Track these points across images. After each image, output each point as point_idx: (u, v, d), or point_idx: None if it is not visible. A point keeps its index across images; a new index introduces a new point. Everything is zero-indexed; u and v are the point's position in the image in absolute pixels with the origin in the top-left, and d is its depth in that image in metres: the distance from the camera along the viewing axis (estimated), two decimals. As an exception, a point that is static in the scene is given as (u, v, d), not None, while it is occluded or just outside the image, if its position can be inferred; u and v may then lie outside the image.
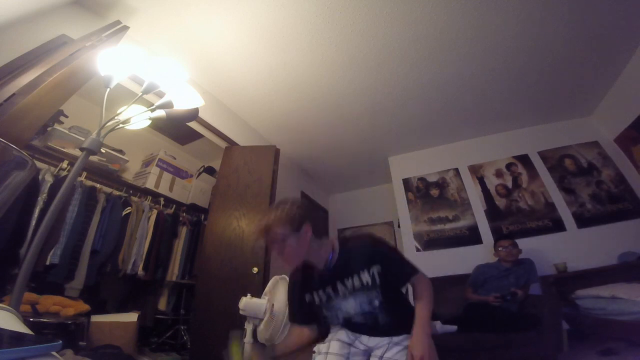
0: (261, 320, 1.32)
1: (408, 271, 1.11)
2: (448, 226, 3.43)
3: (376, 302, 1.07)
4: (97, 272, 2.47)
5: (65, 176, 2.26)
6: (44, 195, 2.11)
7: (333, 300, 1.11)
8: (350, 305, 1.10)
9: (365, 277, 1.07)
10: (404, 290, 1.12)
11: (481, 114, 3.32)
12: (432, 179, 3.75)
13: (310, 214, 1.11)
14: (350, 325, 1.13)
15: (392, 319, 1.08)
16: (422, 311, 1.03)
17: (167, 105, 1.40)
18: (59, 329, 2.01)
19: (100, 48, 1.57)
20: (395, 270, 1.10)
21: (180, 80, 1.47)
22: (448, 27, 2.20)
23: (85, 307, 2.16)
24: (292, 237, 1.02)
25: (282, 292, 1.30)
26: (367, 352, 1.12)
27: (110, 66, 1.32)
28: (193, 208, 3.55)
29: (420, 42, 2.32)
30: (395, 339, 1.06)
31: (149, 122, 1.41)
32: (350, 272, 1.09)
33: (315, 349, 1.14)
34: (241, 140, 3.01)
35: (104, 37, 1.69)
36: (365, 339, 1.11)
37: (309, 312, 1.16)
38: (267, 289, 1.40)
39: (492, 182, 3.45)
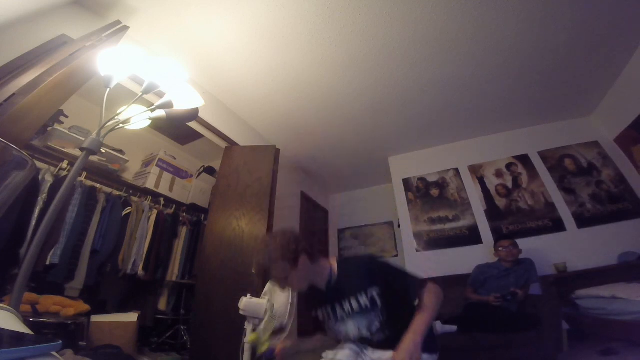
0: (261, 320, 1.32)
1: (414, 286, 1.09)
2: (448, 226, 3.43)
3: (377, 324, 1.07)
4: (97, 272, 2.47)
5: (65, 176, 2.26)
6: (44, 195, 2.11)
7: (330, 321, 1.13)
8: (350, 329, 1.10)
9: (364, 300, 1.06)
10: (415, 304, 1.10)
11: (481, 114, 3.32)
12: (432, 179, 3.75)
13: (304, 243, 1.10)
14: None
15: (394, 334, 1.05)
16: (418, 321, 1.01)
17: (167, 105, 1.40)
18: (59, 329, 2.01)
19: (100, 48, 1.57)
20: (400, 287, 1.09)
21: (180, 80, 1.46)
22: (448, 27, 2.20)
23: (85, 307, 2.16)
24: (292, 273, 1.04)
25: (282, 292, 1.30)
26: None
27: (110, 66, 1.32)
28: (193, 208, 3.55)
29: (420, 42, 2.32)
30: None
31: (149, 122, 1.41)
32: (347, 295, 1.08)
33: (323, 354, 1.14)
34: (241, 140, 3.01)
35: (104, 37, 1.69)
36: (370, 351, 1.12)
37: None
38: (266, 288, 1.40)
39: (492, 182, 3.45)
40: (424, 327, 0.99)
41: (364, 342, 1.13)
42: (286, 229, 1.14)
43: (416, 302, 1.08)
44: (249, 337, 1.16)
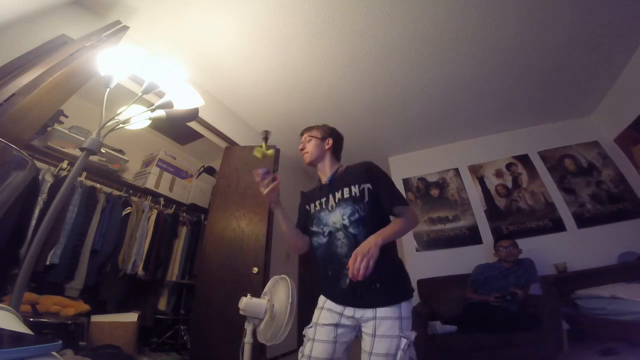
0: (261, 320, 1.32)
1: (397, 198, 1.17)
2: (448, 226, 3.43)
3: (356, 215, 1.13)
4: (97, 272, 2.47)
5: (65, 176, 2.26)
6: (44, 195, 2.11)
7: (322, 211, 1.23)
8: (336, 216, 1.18)
9: (355, 189, 1.18)
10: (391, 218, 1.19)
11: (481, 114, 3.32)
12: (432, 179, 3.76)
13: (339, 139, 1.41)
14: (334, 286, 1.14)
15: (365, 232, 1.10)
16: (388, 227, 1.08)
17: (167, 105, 1.40)
18: (59, 329, 2.01)
19: (100, 48, 1.57)
20: (385, 193, 1.18)
21: (180, 80, 1.46)
22: (448, 27, 2.20)
23: (85, 307, 2.16)
24: (316, 140, 1.35)
25: (282, 292, 1.29)
26: (356, 327, 1.10)
27: (110, 66, 1.32)
28: (193, 208, 3.55)
29: (420, 42, 2.32)
30: (380, 312, 1.04)
31: (149, 122, 1.41)
32: (342, 185, 1.22)
33: (304, 332, 1.16)
34: (241, 140, 3.01)
35: (104, 37, 1.69)
36: (350, 311, 1.10)
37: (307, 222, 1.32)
38: (266, 288, 1.39)
39: (492, 182, 3.45)
40: (391, 234, 1.06)
41: (343, 229, 1.15)
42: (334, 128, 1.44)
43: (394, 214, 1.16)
44: (255, 152, 1.31)
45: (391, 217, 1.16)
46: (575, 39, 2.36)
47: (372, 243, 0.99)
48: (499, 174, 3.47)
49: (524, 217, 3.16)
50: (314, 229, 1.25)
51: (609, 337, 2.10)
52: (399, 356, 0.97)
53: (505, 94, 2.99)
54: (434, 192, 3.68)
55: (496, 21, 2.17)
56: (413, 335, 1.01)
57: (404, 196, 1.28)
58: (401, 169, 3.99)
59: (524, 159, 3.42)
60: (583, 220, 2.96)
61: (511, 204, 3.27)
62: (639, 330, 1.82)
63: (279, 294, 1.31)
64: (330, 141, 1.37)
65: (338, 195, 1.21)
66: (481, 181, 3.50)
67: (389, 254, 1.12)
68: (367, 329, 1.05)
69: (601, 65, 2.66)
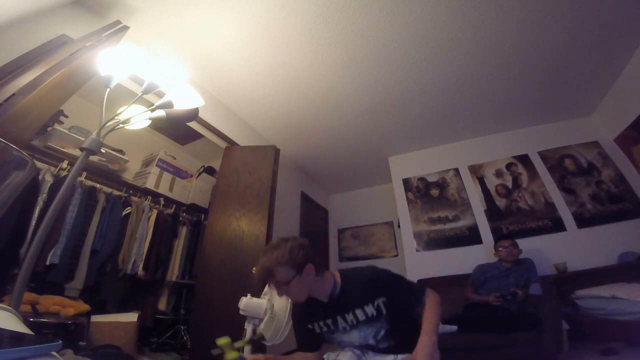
0: (261, 320, 1.32)
1: (418, 293, 1.11)
2: (448, 226, 3.43)
3: (382, 332, 1.07)
4: (97, 272, 2.47)
5: (65, 176, 2.26)
6: (44, 195, 2.11)
7: (333, 333, 1.12)
8: (354, 338, 1.10)
9: (370, 309, 1.06)
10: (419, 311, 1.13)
11: (481, 114, 3.32)
12: (432, 179, 3.75)
13: (313, 254, 1.08)
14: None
15: (399, 340, 1.08)
16: (429, 322, 1.02)
17: (167, 105, 1.40)
18: (59, 329, 2.01)
19: (100, 48, 1.57)
20: (405, 295, 1.10)
21: (180, 80, 1.46)
22: (448, 27, 2.20)
23: (85, 307, 2.16)
24: (295, 280, 1.01)
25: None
26: None
27: (110, 66, 1.32)
28: (193, 208, 3.55)
29: (420, 42, 2.31)
30: (400, 357, 1.06)
31: (149, 122, 1.41)
32: (352, 307, 1.08)
33: (325, 356, 1.15)
34: (241, 140, 3.01)
35: (104, 37, 1.69)
36: (371, 355, 1.12)
37: (314, 339, 1.17)
38: (266, 288, 1.39)
39: (492, 182, 3.45)
40: (435, 327, 1.00)
41: (368, 348, 1.13)
42: (297, 236, 1.13)
43: (419, 308, 1.10)
44: (218, 341, 1.05)
45: None
46: (575, 39, 2.36)
47: (429, 351, 0.93)
48: (499, 174, 3.47)
49: (524, 217, 3.16)
50: (329, 339, 1.16)
51: (609, 337, 2.10)
52: None
53: (505, 94, 2.99)
54: (434, 192, 3.68)
55: (496, 21, 2.17)
56: None
57: (417, 284, 1.19)
58: (401, 169, 3.99)
59: (524, 159, 3.42)
60: (583, 220, 2.96)
61: (511, 204, 3.27)
62: (639, 330, 1.82)
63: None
64: (310, 267, 1.05)
65: (350, 317, 1.08)
66: (481, 181, 3.50)
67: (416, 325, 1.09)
68: None
69: (601, 65, 2.66)
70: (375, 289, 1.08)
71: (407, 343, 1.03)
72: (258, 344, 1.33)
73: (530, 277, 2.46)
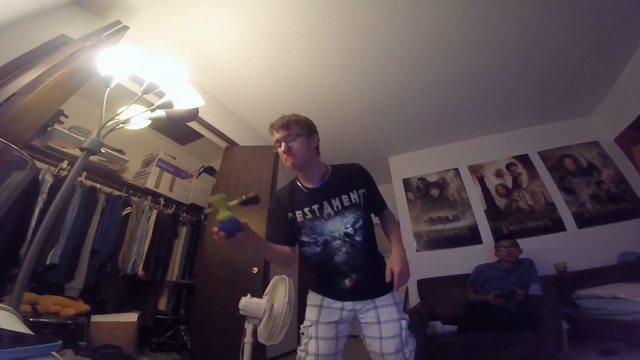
0: (261, 320, 1.32)
1: (383, 201, 1.29)
2: (448, 226, 3.43)
3: (360, 223, 1.15)
4: (97, 272, 2.47)
5: (65, 176, 2.26)
6: (44, 195, 2.11)
7: (318, 219, 1.16)
8: (336, 225, 1.15)
9: (354, 196, 1.16)
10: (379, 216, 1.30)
11: (481, 114, 3.32)
12: (432, 179, 3.76)
13: (317, 134, 1.25)
14: (333, 286, 1.18)
15: (368, 240, 1.16)
16: (396, 237, 1.21)
17: (167, 105, 1.40)
18: (59, 329, 2.01)
19: (100, 48, 1.57)
20: (375, 197, 1.25)
21: (180, 80, 1.47)
22: (448, 27, 2.20)
23: (85, 307, 2.16)
24: (302, 138, 1.15)
25: (282, 292, 1.29)
26: (353, 320, 1.20)
27: (110, 66, 1.32)
28: (193, 208, 3.55)
29: (420, 42, 2.31)
30: (379, 301, 1.14)
31: (149, 122, 1.41)
32: (339, 192, 1.17)
33: (302, 330, 1.20)
34: (241, 140, 3.01)
35: (104, 37, 1.69)
36: (349, 304, 1.16)
37: (291, 232, 1.21)
38: (267, 289, 1.39)
39: (492, 182, 3.45)
40: (401, 241, 1.19)
41: (347, 236, 1.15)
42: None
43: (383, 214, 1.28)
44: (210, 198, 1.01)
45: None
46: (575, 39, 2.36)
47: (403, 258, 1.12)
48: (499, 174, 3.47)
49: (524, 217, 3.16)
50: (304, 239, 1.19)
51: (609, 337, 2.10)
52: (403, 335, 1.10)
53: (505, 94, 2.99)
54: (434, 192, 3.68)
55: (496, 21, 2.17)
56: (407, 316, 1.15)
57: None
58: (401, 169, 3.99)
59: (524, 159, 3.42)
60: (583, 220, 2.96)
61: (511, 204, 3.27)
62: (639, 330, 1.82)
63: (278, 294, 1.31)
64: (317, 138, 1.22)
65: (336, 202, 1.15)
66: (481, 181, 3.50)
67: (377, 251, 1.23)
68: (369, 318, 1.14)
69: (601, 65, 2.66)
70: (359, 178, 1.22)
71: (379, 281, 1.12)
72: (258, 344, 1.33)
73: (530, 277, 2.46)
